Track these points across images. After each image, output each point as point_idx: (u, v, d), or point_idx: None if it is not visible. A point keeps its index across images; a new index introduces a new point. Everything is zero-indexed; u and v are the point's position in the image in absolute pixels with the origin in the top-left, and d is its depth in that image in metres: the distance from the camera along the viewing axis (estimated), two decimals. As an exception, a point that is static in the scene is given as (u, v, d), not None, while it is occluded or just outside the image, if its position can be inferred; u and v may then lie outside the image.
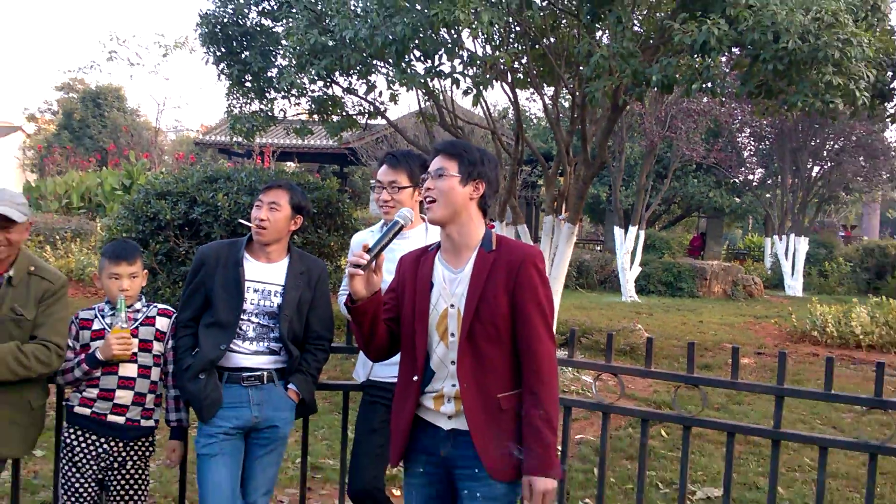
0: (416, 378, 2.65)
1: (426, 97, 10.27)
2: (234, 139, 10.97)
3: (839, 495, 5.46)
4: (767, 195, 25.12)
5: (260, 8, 10.23)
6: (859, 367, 10.26)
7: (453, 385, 2.60)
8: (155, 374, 3.34)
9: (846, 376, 9.53)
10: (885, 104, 9.00)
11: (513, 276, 2.56)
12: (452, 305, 2.61)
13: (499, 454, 2.55)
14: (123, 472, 3.30)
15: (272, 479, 3.43)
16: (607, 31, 8.58)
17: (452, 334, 2.60)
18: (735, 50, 7.78)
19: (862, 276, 23.05)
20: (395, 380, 3.40)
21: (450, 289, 2.63)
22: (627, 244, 17.40)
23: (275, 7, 10.07)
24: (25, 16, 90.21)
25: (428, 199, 2.61)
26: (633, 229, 17.44)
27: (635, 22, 8.68)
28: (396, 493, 4.95)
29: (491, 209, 2.77)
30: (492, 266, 2.58)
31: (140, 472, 3.34)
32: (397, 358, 3.40)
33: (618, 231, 17.82)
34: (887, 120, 9.45)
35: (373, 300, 2.55)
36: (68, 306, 3.35)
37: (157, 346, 3.36)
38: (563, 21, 9.73)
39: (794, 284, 21.88)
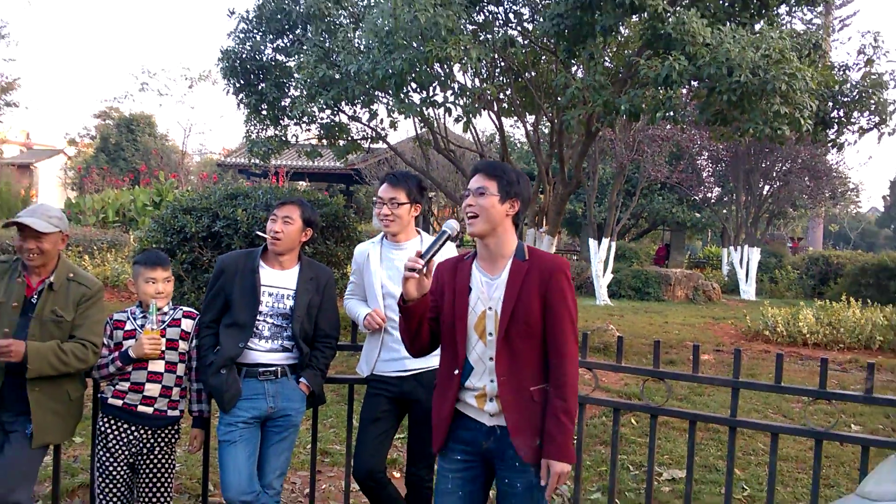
0: (456, 372, 2.64)
1: (422, 124, 10.29)
2: (252, 161, 10.96)
3: (789, 476, 5.45)
4: (724, 211, 25.19)
5: (274, 45, 10.25)
6: (806, 363, 10.27)
7: (492, 381, 2.59)
8: (180, 369, 3.33)
9: (794, 370, 9.54)
10: (827, 131, 9.01)
11: (546, 282, 2.57)
12: (490, 308, 2.61)
13: (531, 441, 2.55)
14: (152, 456, 3.28)
15: (285, 462, 3.42)
16: (581, 66, 8.61)
17: (490, 333, 2.60)
18: (694, 83, 7.81)
19: (808, 282, 23.08)
20: (396, 374, 3.41)
21: (487, 293, 2.62)
22: (601, 254, 17.41)
23: (288, 44, 10.09)
24: (66, 51, 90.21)
25: (470, 215, 2.60)
26: (605, 241, 17.46)
27: (606, 58, 8.73)
28: (396, 475, 4.93)
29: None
30: (526, 274, 2.58)
31: (167, 456, 3.32)
32: (396, 354, 3.41)
33: (592, 242, 17.83)
34: (829, 145, 9.45)
35: (423, 301, 2.55)
36: (104, 309, 3.34)
37: (183, 345, 3.35)
38: (543, 57, 9.78)
39: (748, 289, 21.91)
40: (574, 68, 9.17)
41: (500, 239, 2.63)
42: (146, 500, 3.29)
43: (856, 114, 8.80)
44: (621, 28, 8.24)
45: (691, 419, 3.53)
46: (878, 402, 3.22)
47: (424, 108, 8.74)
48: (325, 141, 10.71)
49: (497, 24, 9.25)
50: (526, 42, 9.31)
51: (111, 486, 3.24)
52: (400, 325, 2.67)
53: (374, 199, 3.60)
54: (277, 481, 3.36)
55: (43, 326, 3.13)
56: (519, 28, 9.38)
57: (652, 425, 3.53)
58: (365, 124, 10.47)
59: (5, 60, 59.28)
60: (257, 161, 10.73)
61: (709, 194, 25.14)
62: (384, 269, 3.50)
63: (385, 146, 11.43)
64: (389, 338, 3.44)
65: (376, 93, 9.23)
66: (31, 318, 3.13)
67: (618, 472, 3.99)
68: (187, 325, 3.38)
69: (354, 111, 10.23)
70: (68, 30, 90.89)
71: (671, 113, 7.35)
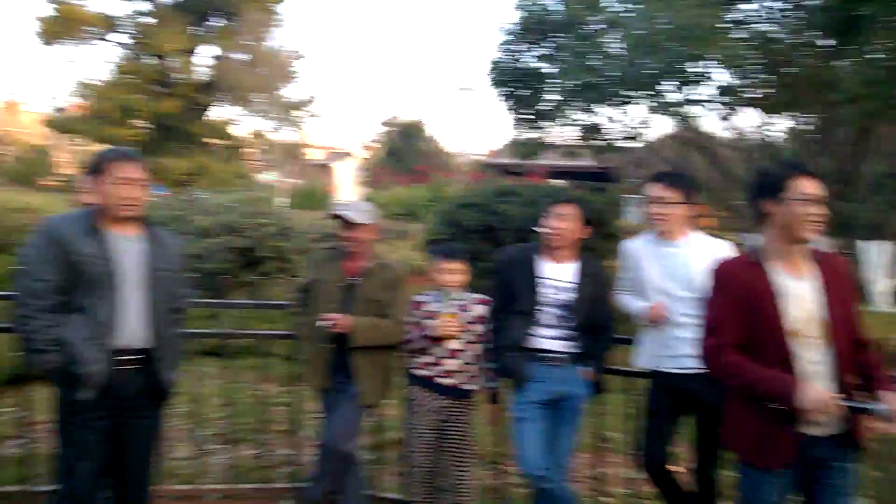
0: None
1: (681, 122, 9.87)
2: (516, 161, 11.14)
3: None
4: None
5: (535, 54, 10.36)
6: None
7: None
8: (475, 349, 3.47)
9: None
10: None
11: (847, 281, 2.56)
12: (807, 309, 2.46)
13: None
14: (453, 420, 3.46)
15: (570, 445, 3.42)
16: (852, 61, 7.71)
17: (815, 337, 2.45)
18: None
19: None
20: (676, 371, 3.22)
21: (804, 296, 2.46)
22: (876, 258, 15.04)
23: (547, 52, 10.15)
24: (352, 71, 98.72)
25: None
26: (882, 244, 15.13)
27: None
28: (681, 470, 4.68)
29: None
30: (833, 275, 2.52)
31: (465, 424, 3.49)
32: (675, 352, 3.23)
33: (864, 245, 15.65)
34: None
35: None
36: (408, 291, 3.59)
37: (476, 328, 3.47)
38: (807, 52, 8.87)
39: None
40: (843, 62, 8.24)
41: None
42: (452, 458, 3.48)
43: None
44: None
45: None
46: None
47: (681, 107, 8.38)
48: (583, 141, 10.65)
49: (754, 21, 8.58)
50: (788, 35, 8.51)
51: (419, 443, 3.46)
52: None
53: (645, 197, 3.49)
54: (565, 460, 3.38)
55: (362, 305, 3.44)
56: (777, 24, 8.60)
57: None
58: (620, 124, 10.25)
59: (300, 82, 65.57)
60: (521, 161, 10.91)
61: None
62: (657, 265, 3.37)
63: (640, 145, 11.12)
64: (669, 334, 3.29)
65: (633, 93, 9.00)
66: (352, 298, 3.45)
67: None
68: (481, 310, 3.50)
69: (610, 112, 10.06)
70: (354, 54, 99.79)
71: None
